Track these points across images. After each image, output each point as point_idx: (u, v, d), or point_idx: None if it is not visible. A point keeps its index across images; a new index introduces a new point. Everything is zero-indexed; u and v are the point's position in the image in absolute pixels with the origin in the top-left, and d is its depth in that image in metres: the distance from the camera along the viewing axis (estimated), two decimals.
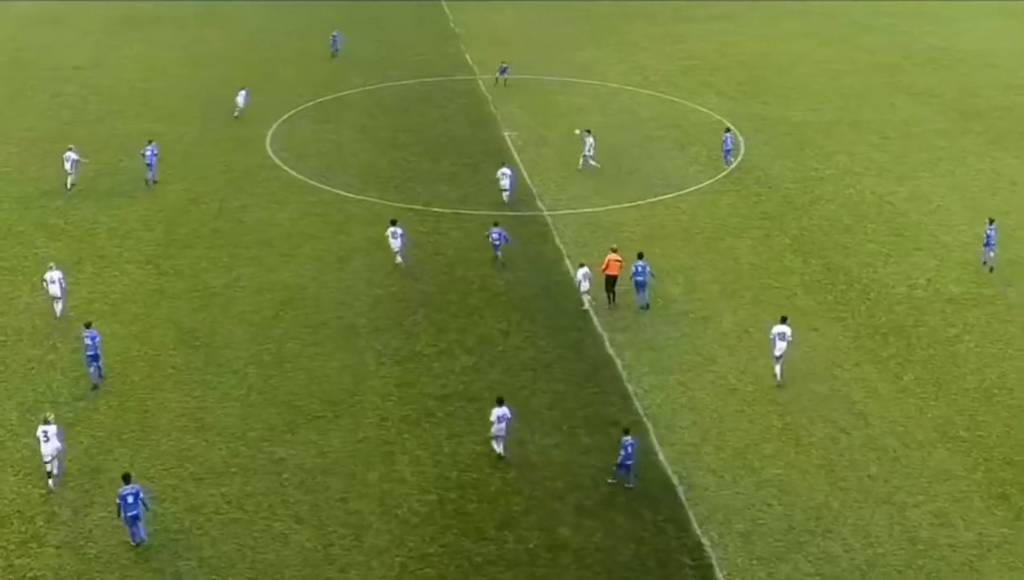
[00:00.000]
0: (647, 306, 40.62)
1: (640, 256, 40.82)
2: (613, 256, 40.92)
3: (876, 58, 77.35)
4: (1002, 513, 30.12)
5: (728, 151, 55.14)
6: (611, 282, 40.72)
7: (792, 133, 61.11)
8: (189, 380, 35.99)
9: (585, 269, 40.68)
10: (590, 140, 53.93)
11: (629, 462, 30.64)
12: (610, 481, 31.01)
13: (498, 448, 32.10)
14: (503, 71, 69.65)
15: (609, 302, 40.88)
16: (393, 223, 44.19)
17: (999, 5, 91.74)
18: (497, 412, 31.83)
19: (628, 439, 30.85)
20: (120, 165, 54.99)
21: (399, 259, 43.73)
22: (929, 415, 34.71)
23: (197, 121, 61.96)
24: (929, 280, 43.71)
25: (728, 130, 56.72)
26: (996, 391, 35.84)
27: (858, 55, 78.37)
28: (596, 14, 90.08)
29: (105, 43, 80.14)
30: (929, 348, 38.74)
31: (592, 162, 53.72)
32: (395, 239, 43.63)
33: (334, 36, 76.10)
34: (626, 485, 30.86)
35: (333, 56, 75.10)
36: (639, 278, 40.42)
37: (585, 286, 40.39)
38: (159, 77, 71.04)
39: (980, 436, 33.55)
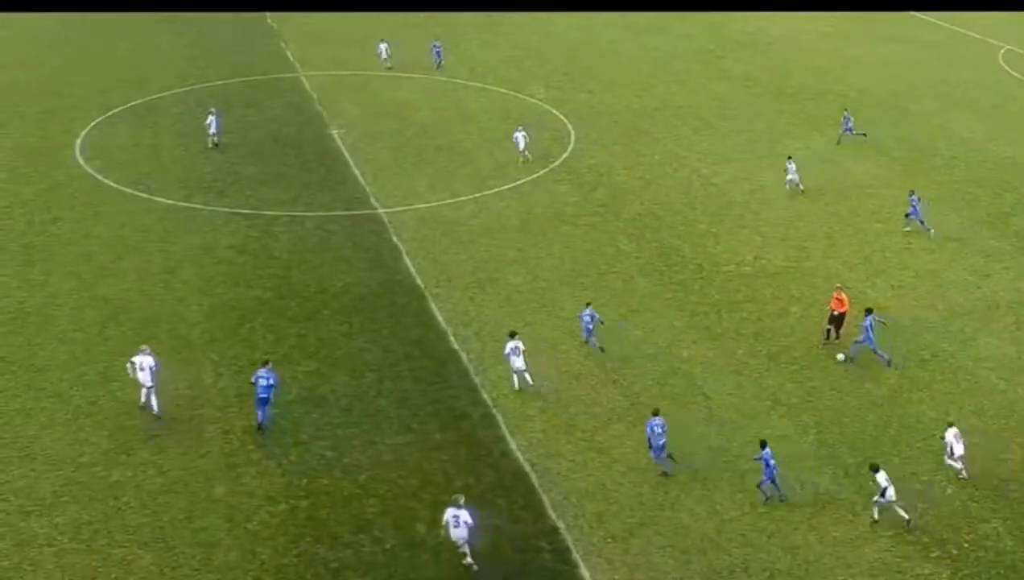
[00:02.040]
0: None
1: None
2: (839, 294, 39.28)
3: (692, 44, 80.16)
4: (832, 471, 32.26)
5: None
6: (839, 320, 39.00)
7: (619, 120, 62.81)
8: (7, 409, 34.86)
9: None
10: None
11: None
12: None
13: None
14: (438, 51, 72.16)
15: (827, 338, 39.08)
16: (512, 336, 36.64)
17: None
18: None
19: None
20: None
21: (529, 380, 36.32)
22: (764, 385, 36.72)
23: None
24: (755, 257, 45.92)
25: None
26: (822, 357, 38.05)
27: (675, 42, 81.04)
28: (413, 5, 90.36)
29: None
30: (760, 322, 40.78)
31: None
32: (517, 357, 36.07)
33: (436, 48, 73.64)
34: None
35: None
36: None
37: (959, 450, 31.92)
38: None
39: (810, 402, 35.74)
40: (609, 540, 29.44)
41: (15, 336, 38.97)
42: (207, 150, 56.76)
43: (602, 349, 38.06)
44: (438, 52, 72.80)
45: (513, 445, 33.25)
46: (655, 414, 32.22)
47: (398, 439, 33.43)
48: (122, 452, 32.68)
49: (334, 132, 59.96)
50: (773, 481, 30.69)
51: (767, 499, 30.78)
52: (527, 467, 32.23)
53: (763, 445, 31.02)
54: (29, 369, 36.94)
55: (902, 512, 29.69)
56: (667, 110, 64.79)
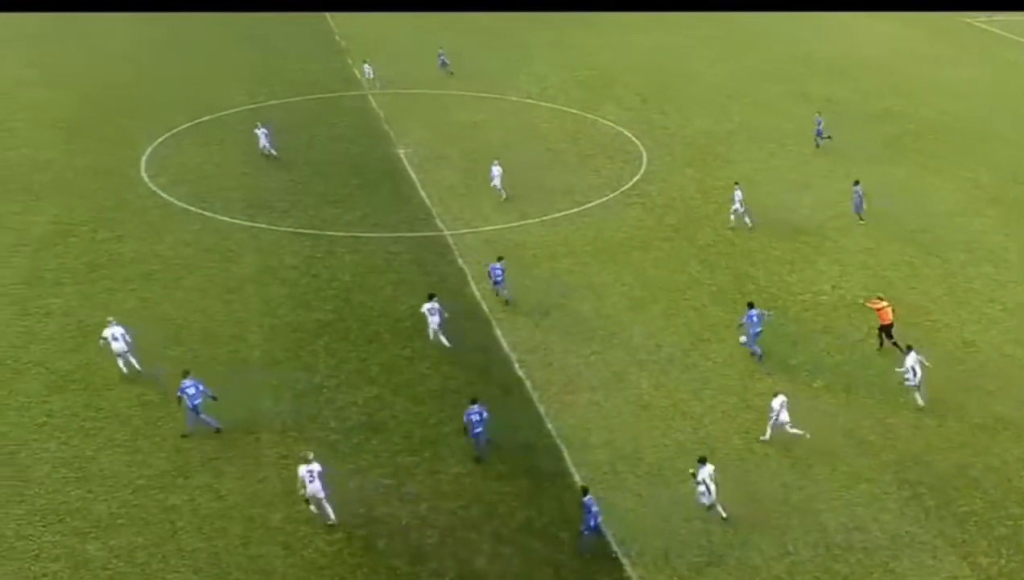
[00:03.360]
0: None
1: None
2: (883, 304, 40.09)
3: (773, 66, 79.57)
4: (913, 513, 31.50)
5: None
6: (888, 330, 39.90)
7: (693, 143, 62.51)
8: (66, 427, 35.36)
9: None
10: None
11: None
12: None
13: None
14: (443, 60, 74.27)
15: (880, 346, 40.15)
16: (431, 298, 40.67)
17: (892, 14, 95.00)
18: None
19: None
20: None
21: (442, 339, 40.24)
22: (839, 420, 36.06)
23: (61, 148, 60.88)
24: (833, 286, 45.31)
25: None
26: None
27: (755, 63, 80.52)
28: (489, 22, 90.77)
29: None
30: (837, 354, 40.16)
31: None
32: (433, 315, 40.16)
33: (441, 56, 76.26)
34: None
35: None
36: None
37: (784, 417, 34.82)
38: (14, 101, 69.81)
39: (889, 439, 34.99)
40: (675, 578, 29.07)
41: (76, 354, 39.58)
42: (271, 168, 57.39)
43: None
44: (443, 61, 74.96)
45: (577, 477, 32.99)
46: (473, 402, 33.52)
47: (459, 468, 33.37)
48: (179, 475, 33.01)
49: (400, 151, 60.35)
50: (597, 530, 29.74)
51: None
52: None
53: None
54: (89, 388, 37.51)
55: (721, 510, 30.74)
56: (744, 133, 64.36)
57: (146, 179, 56.39)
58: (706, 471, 30.81)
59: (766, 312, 40.11)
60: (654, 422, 35.83)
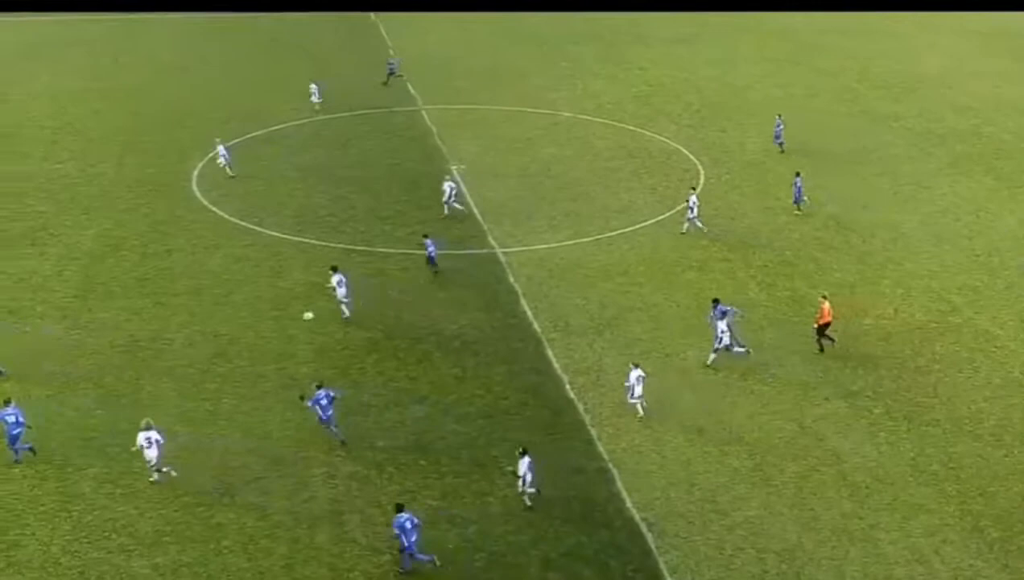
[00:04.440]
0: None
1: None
2: (826, 305, 41.07)
3: (833, 81, 79.23)
4: (976, 546, 31.06)
5: None
6: (823, 329, 41.10)
7: (751, 161, 62.37)
8: (114, 443, 35.63)
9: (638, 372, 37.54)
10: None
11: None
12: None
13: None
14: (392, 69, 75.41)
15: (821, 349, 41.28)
16: (335, 270, 44.25)
17: (953, 24, 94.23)
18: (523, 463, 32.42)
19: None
20: (26, 210, 54.83)
21: (346, 312, 43.68)
22: (901, 449, 35.62)
23: (113, 160, 61.77)
24: (896, 310, 44.79)
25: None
26: (966, 422, 36.83)
27: (814, 78, 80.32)
28: (543, 36, 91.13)
29: (7, 76, 79.83)
30: (898, 379, 39.74)
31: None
32: (340, 287, 43.46)
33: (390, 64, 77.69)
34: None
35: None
36: None
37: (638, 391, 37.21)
38: (68, 113, 70.85)
39: (952, 469, 34.51)
40: None
41: (124, 370, 40.07)
42: (321, 183, 57.86)
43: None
44: (391, 68, 76.79)
45: (629, 502, 32.87)
46: (319, 386, 35.16)
47: (508, 491, 33.29)
48: (225, 494, 33.25)
49: (453, 168, 60.56)
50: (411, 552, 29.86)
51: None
52: (643, 527, 31.78)
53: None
54: (136, 403, 37.87)
55: (527, 500, 31.90)
56: (803, 151, 63.86)
57: (197, 193, 57.09)
58: (524, 463, 32.06)
59: (735, 309, 40.72)
60: (708, 447, 35.62)
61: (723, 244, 51.00)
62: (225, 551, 30.79)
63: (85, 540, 31.21)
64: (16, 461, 34.58)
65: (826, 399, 38.31)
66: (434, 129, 67.71)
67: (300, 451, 35.29)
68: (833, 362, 40.59)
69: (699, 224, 51.16)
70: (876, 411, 37.66)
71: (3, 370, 39.39)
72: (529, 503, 32.43)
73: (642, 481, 33.89)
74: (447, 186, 54.19)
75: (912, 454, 35.26)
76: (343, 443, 35.23)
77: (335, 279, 43.53)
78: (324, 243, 50.76)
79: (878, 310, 44.74)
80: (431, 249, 47.39)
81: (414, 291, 46.29)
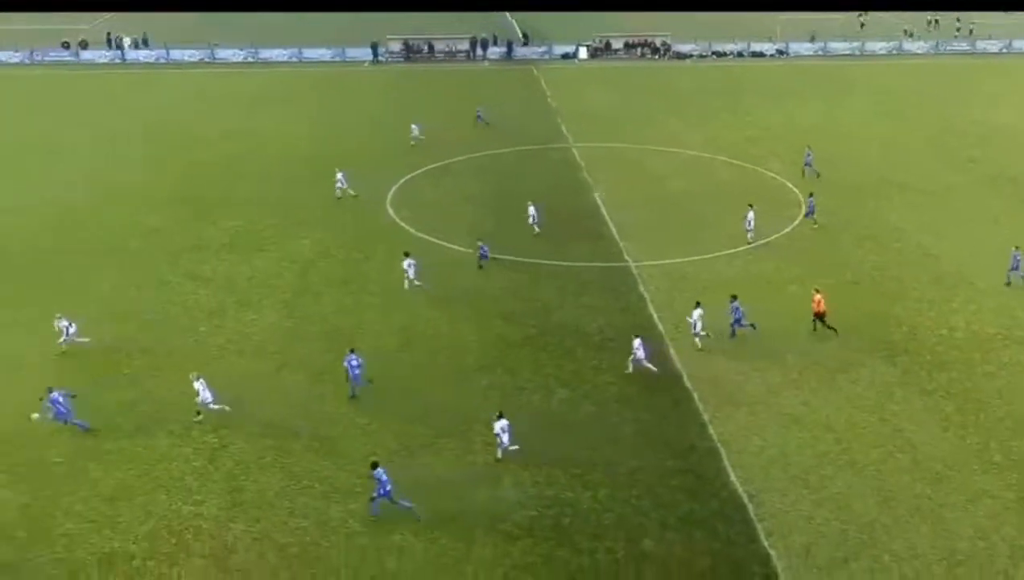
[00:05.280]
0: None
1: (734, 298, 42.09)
2: (817, 296, 41.89)
3: (922, 131, 76.34)
4: None
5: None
6: (821, 317, 41.83)
7: (847, 195, 60.38)
8: (319, 410, 36.57)
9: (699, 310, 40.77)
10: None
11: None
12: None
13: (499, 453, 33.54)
14: (480, 116, 75.92)
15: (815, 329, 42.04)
16: (407, 255, 46.89)
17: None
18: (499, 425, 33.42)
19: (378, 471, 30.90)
20: (258, 223, 56.48)
21: (417, 282, 46.25)
22: (968, 441, 34.28)
23: (326, 186, 62.86)
24: (967, 323, 43.08)
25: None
26: None
27: (906, 127, 77.57)
28: (677, 90, 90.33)
29: (247, 117, 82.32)
30: (968, 382, 38.20)
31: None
32: (410, 270, 46.33)
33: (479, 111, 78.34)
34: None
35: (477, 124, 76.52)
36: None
37: (699, 327, 40.52)
38: (292, 152, 72.25)
39: (1013, 461, 33.06)
40: (815, 570, 28.09)
41: (330, 354, 40.81)
42: (488, 207, 58.21)
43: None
44: (480, 115, 76.43)
45: (733, 477, 32.37)
46: (351, 351, 36.45)
47: (634, 463, 33.15)
48: (405, 454, 33.81)
49: (596, 196, 60.55)
50: (389, 497, 30.26)
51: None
52: (745, 498, 31.27)
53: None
54: (338, 381, 38.36)
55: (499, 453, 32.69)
56: (892, 187, 61.92)
57: (391, 212, 58.19)
58: (500, 425, 32.99)
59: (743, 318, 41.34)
60: (802, 433, 34.84)
61: (818, 263, 49.74)
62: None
63: (295, 488, 32.12)
64: (353, 396, 37.16)
65: (905, 398, 37.11)
66: (582, 164, 67.69)
67: (465, 423, 35.61)
68: (911, 366, 39.22)
69: (752, 235, 51.75)
70: (947, 409, 36.31)
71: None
72: (500, 456, 33.19)
73: (745, 460, 33.36)
74: (531, 209, 54.34)
75: (978, 446, 33.83)
76: (352, 397, 36.59)
77: (406, 262, 46.35)
78: (494, 255, 50.96)
79: (951, 323, 43.19)
80: (484, 250, 49.35)
81: (561, 296, 46.37)
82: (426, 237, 53.79)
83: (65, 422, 34.99)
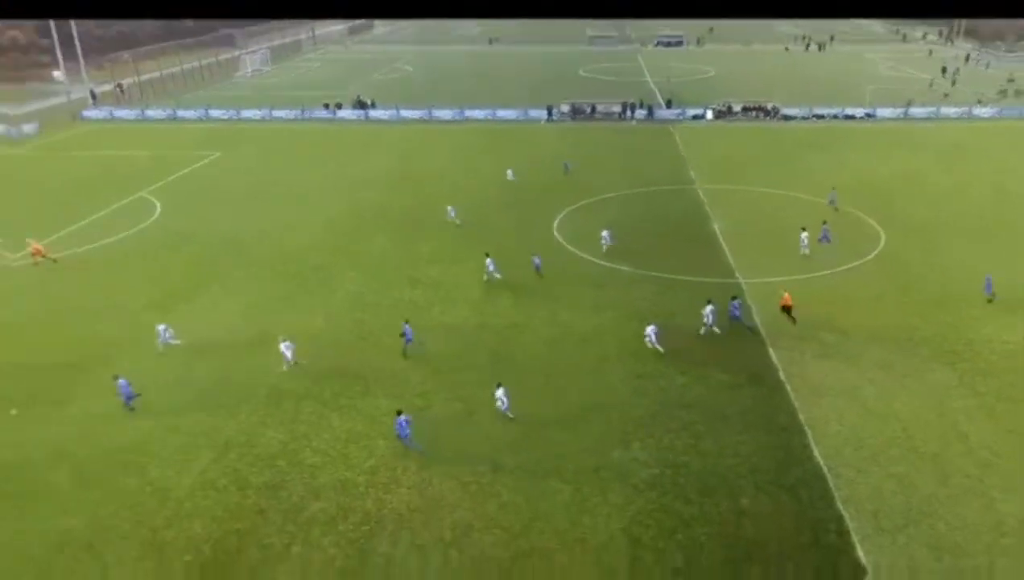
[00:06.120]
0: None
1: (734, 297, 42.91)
2: (786, 294, 42.61)
3: (982, 175, 71.94)
4: None
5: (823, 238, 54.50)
6: (788, 310, 42.54)
7: (920, 228, 57.89)
8: (505, 382, 36.06)
9: (711, 306, 41.45)
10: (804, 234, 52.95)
11: None
12: None
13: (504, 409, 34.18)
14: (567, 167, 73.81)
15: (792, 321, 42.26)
16: (487, 255, 48.67)
17: None
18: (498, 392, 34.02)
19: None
20: (449, 244, 56.92)
21: (497, 275, 47.93)
22: (1016, 435, 33.36)
23: (500, 216, 63.17)
24: (1020, 338, 41.12)
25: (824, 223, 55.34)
26: None
27: (969, 169, 73.38)
28: (783, 145, 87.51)
29: (451, 161, 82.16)
30: (1017, 387, 36.91)
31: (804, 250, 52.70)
32: (491, 266, 47.95)
33: (565, 163, 76.78)
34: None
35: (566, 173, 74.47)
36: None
37: (710, 320, 41.02)
38: (460, 191, 71.77)
39: None
40: (880, 531, 28.16)
41: (507, 344, 41.55)
42: (628, 236, 57.66)
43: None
44: (567, 166, 73.42)
45: (816, 452, 32.42)
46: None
47: (736, 437, 33.78)
48: (560, 421, 34.65)
49: (715, 226, 59.65)
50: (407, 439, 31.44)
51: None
52: (824, 470, 31.31)
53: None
54: (512, 361, 39.36)
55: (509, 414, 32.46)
56: (958, 222, 58.97)
57: (556, 234, 58.86)
58: (500, 392, 33.70)
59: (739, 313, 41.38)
60: (873, 422, 34.46)
61: (895, 283, 48.21)
62: (561, 458, 32.21)
63: (481, 442, 33.22)
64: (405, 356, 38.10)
65: (961, 397, 36.08)
66: (705, 200, 66.87)
67: (605, 400, 36.44)
68: (967, 372, 37.91)
69: (806, 251, 51.32)
70: (999, 408, 35.18)
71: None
72: (512, 415, 33.78)
73: (826, 440, 33.32)
74: (605, 233, 54.18)
75: (1022, 439, 32.79)
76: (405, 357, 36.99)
77: (488, 261, 48.15)
78: (634, 270, 51.49)
79: (1004, 338, 41.00)
80: (537, 261, 50.14)
81: (683, 304, 46.31)
82: (583, 255, 54.46)
83: (127, 402, 35.12)
